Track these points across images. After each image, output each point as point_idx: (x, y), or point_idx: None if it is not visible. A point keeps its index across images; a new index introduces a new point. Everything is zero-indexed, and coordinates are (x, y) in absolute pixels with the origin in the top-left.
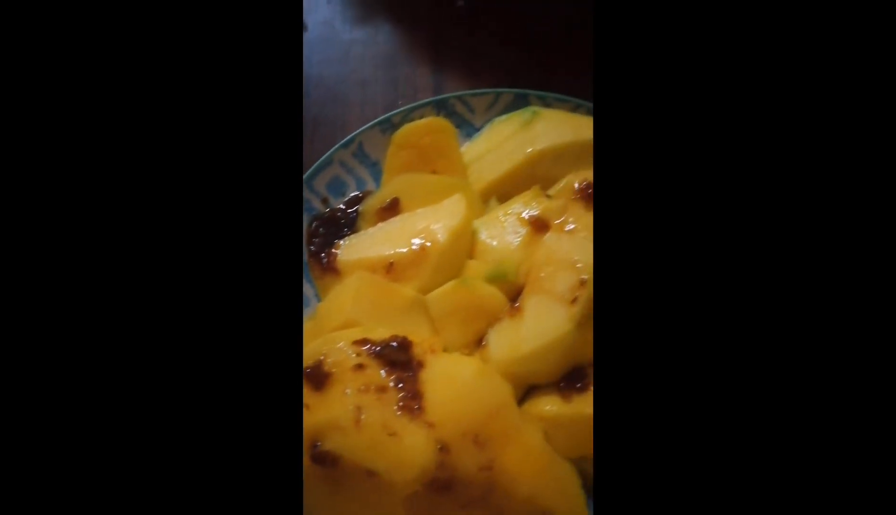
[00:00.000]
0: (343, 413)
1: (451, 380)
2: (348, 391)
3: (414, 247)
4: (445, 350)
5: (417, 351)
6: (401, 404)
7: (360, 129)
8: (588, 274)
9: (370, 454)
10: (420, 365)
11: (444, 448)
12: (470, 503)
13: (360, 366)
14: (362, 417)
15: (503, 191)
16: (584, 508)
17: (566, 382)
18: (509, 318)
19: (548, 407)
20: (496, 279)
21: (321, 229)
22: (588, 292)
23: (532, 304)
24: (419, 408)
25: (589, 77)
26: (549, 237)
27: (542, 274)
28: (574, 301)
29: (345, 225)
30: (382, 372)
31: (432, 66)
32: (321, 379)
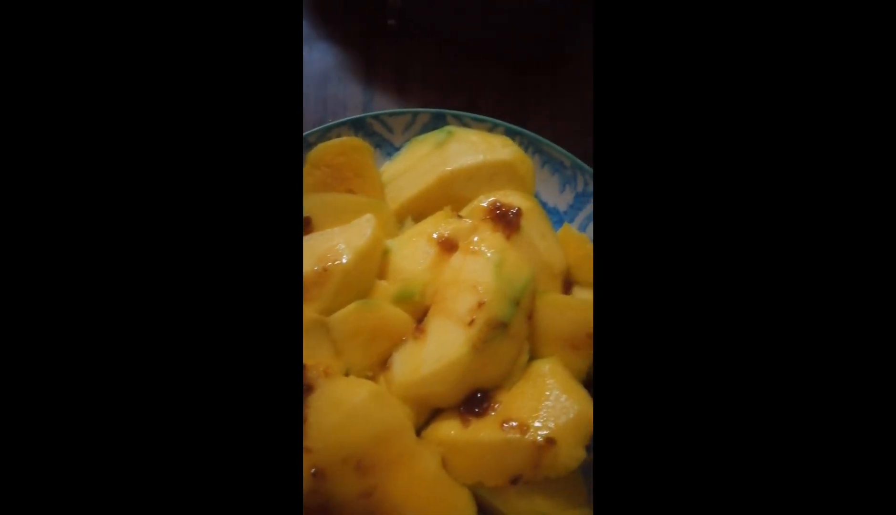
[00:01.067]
0: None
1: (339, 405)
2: None
3: (317, 268)
4: (347, 372)
5: (309, 375)
6: None
7: None
8: (488, 297)
9: None
10: (309, 389)
11: (318, 474)
12: None
13: None
14: None
15: (418, 210)
16: None
17: (466, 406)
18: (413, 340)
19: (446, 432)
20: (402, 300)
21: None
22: (486, 315)
23: (434, 326)
24: None
25: (515, 96)
26: (455, 258)
27: (447, 296)
28: (471, 323)
29: None
30: None
31: (363, 86)
32: None
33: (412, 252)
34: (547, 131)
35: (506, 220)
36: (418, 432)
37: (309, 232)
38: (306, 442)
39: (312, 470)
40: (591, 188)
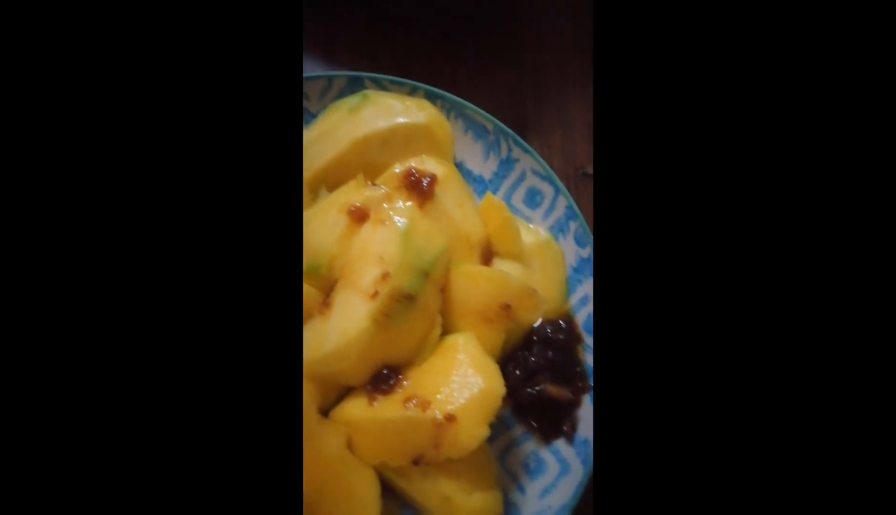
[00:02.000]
0: None
1: None
2: None
3: None
4: None
5: None
6: None
7: None
8: (393, 268)
9: None
10: None
11: None
12: None
13: None
14: None
15: (332, 180)
16: None
17: (373, 384)
18: (319, 316)
19: (352, 411)
20: (309, 273)
21: None
22: (389, 287)
23: (340, 300)
24: None
25: (446, 64)
26: (365, 228)
27: (354, 269)
28: (374, 296)
29: None
30: None
31: None
32: None
33: (321, 224)
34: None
35: (419, 188)
36: (326, 411)
37: None
38: None
39: None
40: (515, 154)
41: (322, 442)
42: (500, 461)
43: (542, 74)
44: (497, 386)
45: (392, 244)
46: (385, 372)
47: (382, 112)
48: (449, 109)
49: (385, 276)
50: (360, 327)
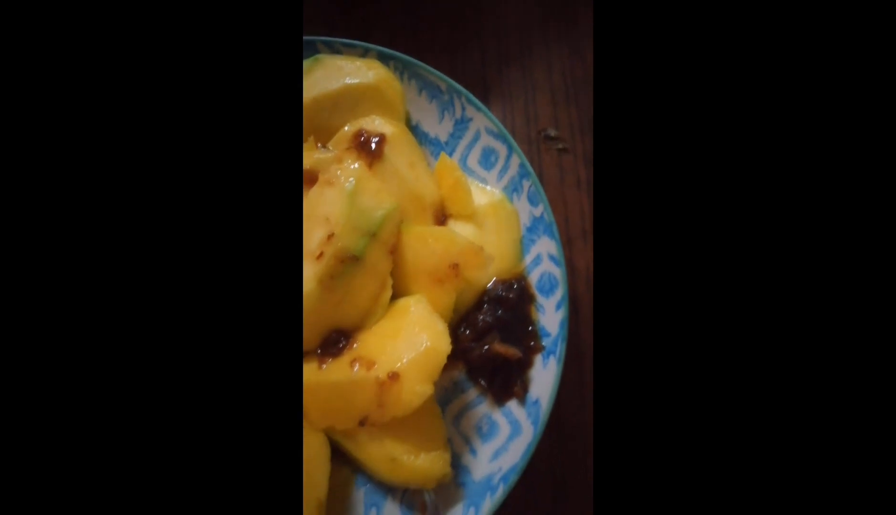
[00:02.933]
0: None
1: None
2: None
3: None
4: None
5: None
6: None
7: None
8: (338, 228)
9: None
10: None
11: None
12: None
13: None
14: None
15: None
16: (324, 483)
17: (323, 348)
18: None
19: (304, 376)
20: None
21: None
22: (334, 247)
23: None
24: None
25: (409, 30)
26: (313, 191)
27: (302, 232)
28: (320, 257)
29: None
30: None
31: None
32: None
33: None
34: (445, 68)
35: (367, 148)
36: None
37: None
38: None
39: None
40: (469, 113)
41: None
42: (455, 424)
43: (505, 39)
44: (442, 345)
45: (337, 205)
46: (335, 335)
47: (332, 73)
48: (402, 70)
49: (330, 237)
50: (307, 289)
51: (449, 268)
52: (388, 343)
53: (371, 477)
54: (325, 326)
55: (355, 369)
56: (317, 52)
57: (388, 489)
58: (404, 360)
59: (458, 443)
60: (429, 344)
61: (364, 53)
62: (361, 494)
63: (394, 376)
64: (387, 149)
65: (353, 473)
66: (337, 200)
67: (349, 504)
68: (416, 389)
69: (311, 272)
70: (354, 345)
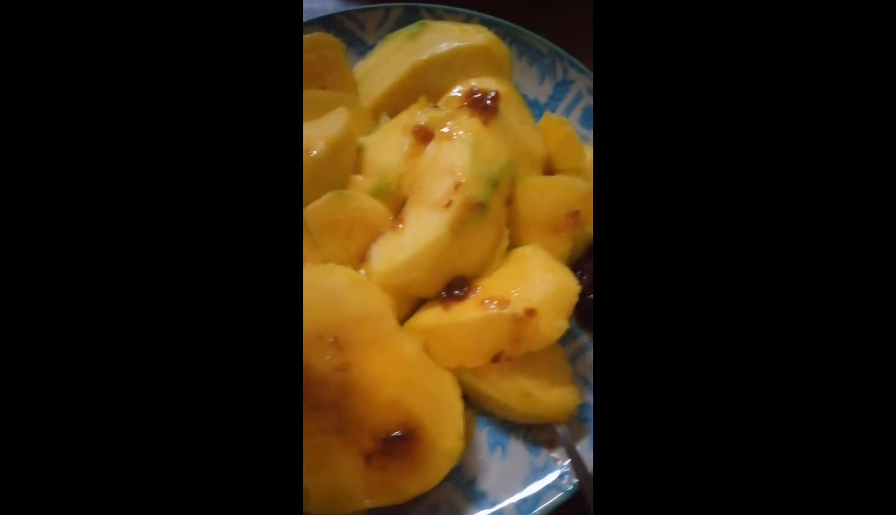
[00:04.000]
0: None
1: (314, 287)
2: None
3: None
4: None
5: None
6: None
7: None
8: (465, 178)
9: None
10: None
11: None
12: (322, 404)
13: None
14: None
15: (393, 105)
16: (459, 418)
17: (447, 292)
18: (391, 232)
19: (428, 320)
20: (379, 192)
21: None
22: (463, 195)
23: (412, 216)
24: None
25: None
26: (431, 146)
27: (424, 185)
28: (448, 205)
29: None
30: None
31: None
32: None
33: (387, 145)
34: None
35: (482, 105)
36: (401, 323)
37: None
38: None
39: None
40: (570, 76)
41: (401, 346)
42: (571, 366)
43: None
44: (571, 284)
45: (462, 156)
46: (458, 281)
47: (442, 36)
48: (503, 35)
49: (457, 186)
50: (437, 234)
51: (567, 217)
52: (516, 285)
53: (499, 415)
54: (449, 273)
55: (488, 307)
56: (420, 18)
57: (510, 427)
58: (538, 297)
59: (577, 383)
60: (558, 283)
61: (467, 19)
62: (484, 434)
63: (530, 311)
64: (500, 106)
65: (475, 415)
66: (460, 152)
67: (473, 444)
68: (554, 323)
69: (440, 219)
70: (478, 290)
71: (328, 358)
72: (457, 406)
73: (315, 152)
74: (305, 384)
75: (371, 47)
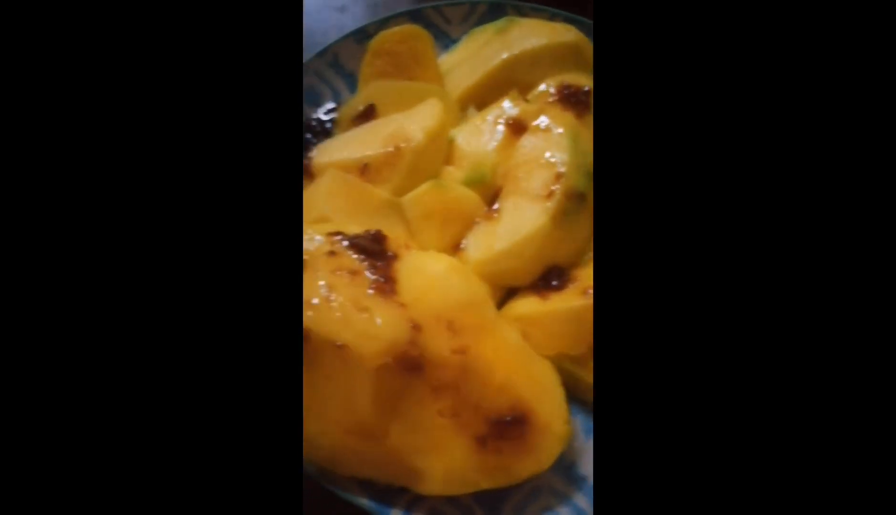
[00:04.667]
0: (313, 292)
1: (424, 272)
2: (319, 274)
3: (388, 149)
4: None
5: (392, 244)
6: (373, 286)
7: (335, 40)
8: (566, 168)
9: (339, 327)
10: (394, 256)
11: (416, 326)
12: (441, 386)
13: (332, 253)
14: (333, 295)
15: (480, 98)
16: (564, 403)
17: (543, 281)
18: (486, 221)
19: (524, 308)
20: (473, 182)
21: None
22: (564, 186)
23: (508, 206)
24: (392, 291)
25: None
26: (525, 138)
27: (519, 175)
28: (549, 195)
29: (320, 133)
30: (355, 257)
31: None
32: None
33: (479, 136)
34: None
35: (576, 99)
36: None
37: (372, 118)
38: (399, 298)
39: (411, 323)
40: None
41: (504, 332)
42: None
43: None
44: None
45: (561, 147)
46: (554, 271)
47: (531, 32)
48: (587, 34)
49: (558, 177)
50: (538, 224)
51: None
52: None
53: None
54: (547, 262)
55: (589, 296)
56: (505, 13)
57: None
58: None
59: None
60: None
61: (552, 17)
62: (578, 421)
63: None
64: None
65: (569, 402)
66: (559, 143)
67: None
68: None
69: (541, 209)
70: (576, 279)
71: (446, 340)
72: (560, 391)
73: (415, 141)
74: (425, 366)
75: (455, 41)
